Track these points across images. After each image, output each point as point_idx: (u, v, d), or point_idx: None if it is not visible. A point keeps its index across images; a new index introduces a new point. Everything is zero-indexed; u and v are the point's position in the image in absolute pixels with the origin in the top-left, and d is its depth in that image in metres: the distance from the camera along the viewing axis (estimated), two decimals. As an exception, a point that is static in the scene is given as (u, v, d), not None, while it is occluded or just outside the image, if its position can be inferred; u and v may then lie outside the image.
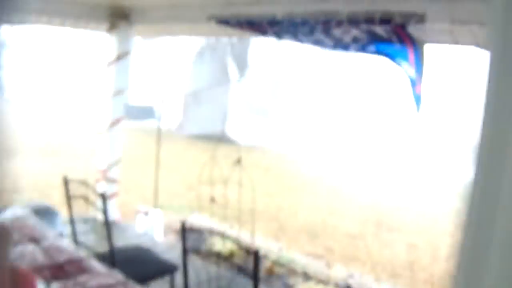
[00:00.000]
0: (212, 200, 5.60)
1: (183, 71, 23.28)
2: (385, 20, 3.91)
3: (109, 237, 3.53)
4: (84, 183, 3.54)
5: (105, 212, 3.44)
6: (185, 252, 2.96)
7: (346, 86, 21.87)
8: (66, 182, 3.73)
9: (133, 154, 15.02)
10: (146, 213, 7.47)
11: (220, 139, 15.68)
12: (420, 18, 3.77)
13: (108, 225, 3.53)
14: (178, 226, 8.19)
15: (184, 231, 2.87)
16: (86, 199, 3.56)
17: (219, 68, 21.02)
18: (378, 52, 4.24)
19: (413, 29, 3.95)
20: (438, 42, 4.78)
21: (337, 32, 4.31)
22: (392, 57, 4.17)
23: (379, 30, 4.06)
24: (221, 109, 20.52)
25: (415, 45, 3.97)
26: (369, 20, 4.00)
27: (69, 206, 3.84)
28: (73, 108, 35.03)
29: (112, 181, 6.97)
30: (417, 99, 4.07)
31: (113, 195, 7.05)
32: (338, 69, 21.54)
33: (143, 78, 23.21)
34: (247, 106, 21.08)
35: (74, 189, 3.84)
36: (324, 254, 7.99)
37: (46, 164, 12.98)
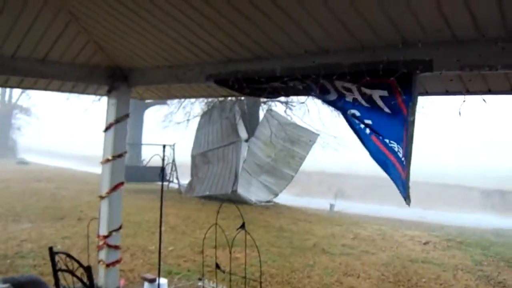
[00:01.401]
0: (218, 267, 5.27)
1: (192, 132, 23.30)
2: (390, 70, 3.66)
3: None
4: (69, 255, 3.25)
5: (91, 285, 3.13)
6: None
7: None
8: (52, 254, 3.44)
9: (143, 218, 14.82)
10: (151, 281, 7.16)
11: (232, 199, 15.40)
12: (428, 66, 3.54)
13: (94, 301, 3.22)
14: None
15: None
16: (71, 272, 3.25)
17: (227, 127, 20.93)
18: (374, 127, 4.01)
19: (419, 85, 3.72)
20: (448, 92, 4.55)
21: (338, 84, 4.10)
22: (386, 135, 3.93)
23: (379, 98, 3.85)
24: (231, 168, 20.31)
25: (408, 118, 3.66)
26: (373, 71, 3.76)
27: (56, 279, 3.54)
28: (85, 170, 35.28)
29: (113, 247, 6.66)
30: (404, 186, 3.76)
31: (115, 262, 6.73)
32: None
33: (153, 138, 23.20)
34: (257, 165, 20.88)
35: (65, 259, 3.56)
36: (340, 319, 7.59)
37: (53, 229, 12.73)
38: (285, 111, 21.13)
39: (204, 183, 21.26)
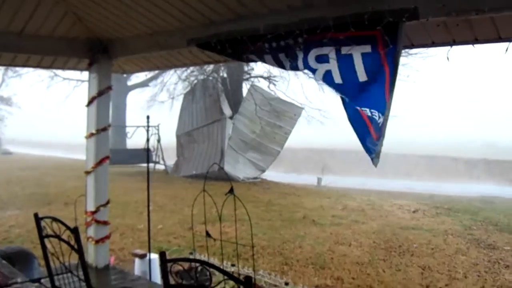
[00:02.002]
0: (208, 235, 5.19)
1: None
2: (375, 20, 3.58)
3: (86, 278, 3.13)
4: (55, 219, 3.17)
5: (79, 249, 3.05)
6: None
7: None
8: (37, 219, 3.35)
9: (130, 199, 14.75)
10: (141, 257, 7.11)
11: (218, 177, 15.33)
12: (414, 13, 3.45)
13: (84, 263, 3.14)
14: (176, 268, 7.87)
15: (165, 262, 2.49)
16: (58, 237, 3.16)
17: (211, 105, 20.82)
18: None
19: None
20: (434, 44, 4.47)
21: (311, 57, 4.01)
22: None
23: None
24: (217, 146, 20.26)
25: (392, 73, 3.60)
26: (358, 22, 3.67)
27: (43, 246, 3.45)
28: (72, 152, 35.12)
29: (102, 223, 6.56)
30: (373, 148, 3.69)
31: (104, 238, 6.63)
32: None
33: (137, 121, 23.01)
34: (243, 141, 20.81)
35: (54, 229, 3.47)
36: (334, 285, 7.58)
37: (40, 214, 12.59)
38: (268, 86, 21.00)
39: (190, 162, 21.20)
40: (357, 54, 3.76)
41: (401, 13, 3.51)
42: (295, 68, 4.29)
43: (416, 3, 3.47)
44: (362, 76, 3.77)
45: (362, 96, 3.78)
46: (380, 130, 3.63)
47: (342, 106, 4.06)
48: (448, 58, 3.64)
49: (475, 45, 4.19)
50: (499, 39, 4.10)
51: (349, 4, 3.87)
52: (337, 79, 3.90)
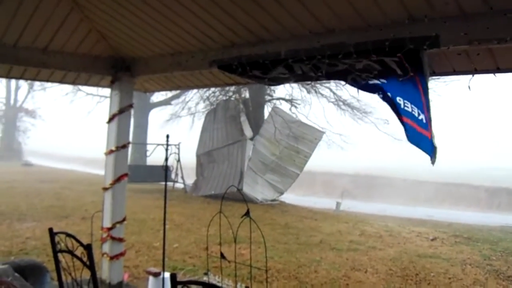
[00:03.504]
0: (222, 257, 5.16)
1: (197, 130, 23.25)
2: (396, 47, 3.58)
3: (97, 296, 3.13)
4: (68, 234, 3.18)
5: (91, 266, 3.05)
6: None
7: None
8: (52, 234, 3.37)
9: (148, 216, 14.76)
10: (155, 275, 7.09)
11: (237, 197, 15.32)
12: (435, 41, 3.45)
13: (95, 281, 3.14)
14: None
15: (176, 284, 2.47)
16: (71, 252, 3.17)
17: (232, 126, 20.86)
18: (386, 92, 3.89)
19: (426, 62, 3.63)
20: (455, 72, 4.45)
21: (345, 61, 4.00)
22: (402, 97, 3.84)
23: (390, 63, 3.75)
24: (237, 167, 20.23)
25: (425, 88, 3.60)
26: (379, 49, 3.67)
27: (56, 261, 3.46)
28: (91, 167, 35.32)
29: (117, 240, 6.58)
30: (430, 147, 3.68)
31: (119, 255, 6.65)
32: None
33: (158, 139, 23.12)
34: (262, 163, 20.79)
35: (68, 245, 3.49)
36: (348, 312, 7.50)
37: (57, 227, 12.57)
38: (290, 109, 21.06)
39: (210, 182, 21.18)
40: (388, 59, 3.75)
41: (422, 40, 3.51)
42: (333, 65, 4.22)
43: (437, 31, 3.47)
44: (398, 70, 3.76)
45: (403, 88, 3.76)
46: (427, 127, 3.62)
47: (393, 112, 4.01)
48: (469, 87, 3.62)
49: (497, 74, 4.17)
50: (521, 68, 4.09)
51: (370, 31, 3.89)
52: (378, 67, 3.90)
